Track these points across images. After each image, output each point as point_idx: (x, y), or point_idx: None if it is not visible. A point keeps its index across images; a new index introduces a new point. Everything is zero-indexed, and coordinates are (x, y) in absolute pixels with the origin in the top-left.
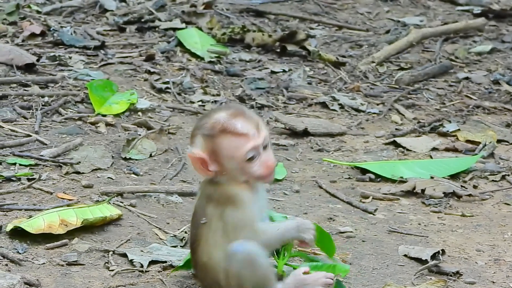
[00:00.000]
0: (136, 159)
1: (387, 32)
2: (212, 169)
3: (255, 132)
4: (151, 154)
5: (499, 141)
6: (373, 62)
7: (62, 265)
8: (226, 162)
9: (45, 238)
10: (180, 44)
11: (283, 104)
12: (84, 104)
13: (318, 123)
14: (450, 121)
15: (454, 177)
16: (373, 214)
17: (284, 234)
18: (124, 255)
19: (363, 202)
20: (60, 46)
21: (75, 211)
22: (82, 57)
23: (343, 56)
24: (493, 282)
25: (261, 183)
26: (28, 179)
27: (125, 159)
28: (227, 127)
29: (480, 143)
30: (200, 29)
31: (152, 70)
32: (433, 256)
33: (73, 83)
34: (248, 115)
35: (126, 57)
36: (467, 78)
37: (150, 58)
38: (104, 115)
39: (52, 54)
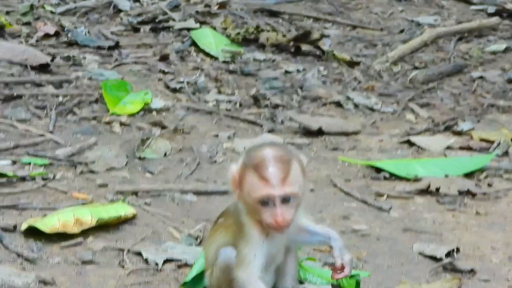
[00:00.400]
0: (151, 159)
1: (401, 31)
2: (237, 192)
3: (278, 183)
4: (165, 153)
5: None
6: (387, 61)
7: (77, 264)
8: (245, 194)
9: (60, 237)
10: (194, 44)
11: (298, 104)
12: (98, 104)
13: (332, 122)
14: (464, 120)
15: (468, 175)
16: (388, 213)
17: None
18: (139, 254)
19: (378, 201)
20: (74, 47)
21: (89, 210)
22: (96, 57)
23: (357, 56)
24: (508, 279)
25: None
26: (43, 179)
27: (139, 158)
28: (258, 165)
29: (494, 141)
30: (214, 28)
31: (166, 70)
32: (448, 254)
33: (87, 83)
34: (288, 165)
35: (140, 57)
36: (481, 77)
37: (164, 58)
38: (119, 115)
39: (66, 54)
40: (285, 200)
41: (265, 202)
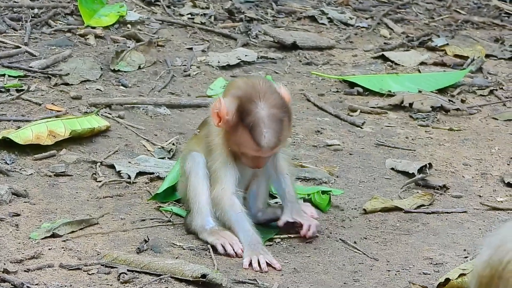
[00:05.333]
0: (125, 71)
1: None
2: (221, 125)
3: (268, 149)
4: (139, 66)
5: (487, 56)
6: None
7: (50, 176)
8: (232, 139)
9: (33, 149)
10: None
11: (272, 18)
12: (73, 16)
13: (306, 37)
14: (438, 36)
15: (442, 91)
16: (361, 128)
17: (234, 227)
18: (112, 167)
19: (351, 116)
20: None
21: (63, 122)
22: None
23: None
24: (480, 196)
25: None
26: (17, 90)
27: (113, 71)
28: (254, 127)
29: (468, 57)
30: None
31: None
32: (420, 170)
33: None
34: (281, 126)
35: None
36: None
37: None
38: (94, 27)
39: None
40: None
41: (251, 156)
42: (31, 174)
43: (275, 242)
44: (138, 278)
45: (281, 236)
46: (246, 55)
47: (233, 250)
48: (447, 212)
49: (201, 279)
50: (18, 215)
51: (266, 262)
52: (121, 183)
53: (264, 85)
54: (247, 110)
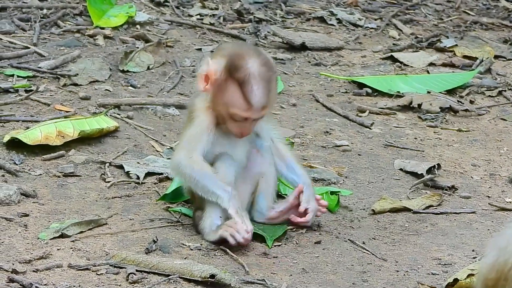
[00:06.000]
0: (134, 72)
1: None
2: (208, 89)
3: (259, 108)
4: (148, 66)
5: (496, 57)
6: None
7: (59, 176)
8: (220, 98)
9: (42, 149)
10: None
11: (281, 19)
12: (82, 16)
13: (315, 38)
14: (447, 37)
15: (451, 92)
16: (370, 128)
17: (207, 190)
18: (121, 167)
19: (360, 116)
20: None
21: (72, 123)
22: None
23: None
24: (488, 196)
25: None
26: (26, 91)
27: (122, 71)
28: (244, 83)
29: (477, 58)
30: None
31: None
32: (429, 170)
33: None
34: (270, 85)
35: None
36: None
37: None
38: (103, 28)
39: None
40: (258, 119)
41: (239, 119)
42: (40, 174)
43: (283, 242)
44: (146, 278)
45: (292, 229)
46: None
47: (241, 237)
48: (456, 213)
49: (209, 279)
50: (26, 215)
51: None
52: (130, 183)
53: (252, 46)
54: (237, 66)
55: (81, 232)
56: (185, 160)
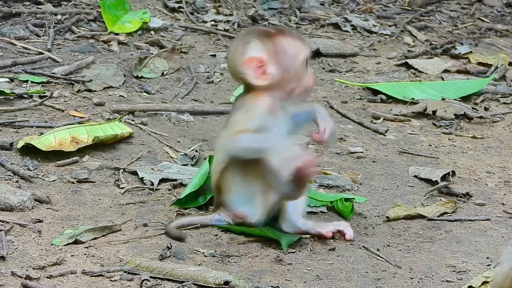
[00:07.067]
0: (148, 78)
1: None
2: (270, 72)
3: (306, 42)
4: (163, 72)
5: (511, 63)
6: None
7: (73, 182)
8: (288, 62)
9: (56, 155)
10: None
11: (296, 25)
12: (96, 22)
13: (330, 44)
14: (462, 44)
15: (465, 99)
16: (384, 135)
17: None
18: (135, 173)
19: (374, 123)
20: None
21: (86, 129)
22: None
23: None
24: (503, 204)
25: (300, 97)
26: (40, 97)
27: (137, 77)
28: (286, 32)
29: (491, 65)
30: None
31: None
32: (443, 177)
33: (86, 1)
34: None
35: None
36: (479, 0)
37: None
38: (117, 34)
39: None
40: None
41: (306, 62)
42: (54, 180)
43: (297, 249)
44: (160, 285)
45: (306, 237)
46: None
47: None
48: (470, 220)
49: (224, 286)
50: (40, 221)
51: None
52: (144, 189)
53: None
54: (272, 31)
55: (95, 238)
56: (241, 135)
